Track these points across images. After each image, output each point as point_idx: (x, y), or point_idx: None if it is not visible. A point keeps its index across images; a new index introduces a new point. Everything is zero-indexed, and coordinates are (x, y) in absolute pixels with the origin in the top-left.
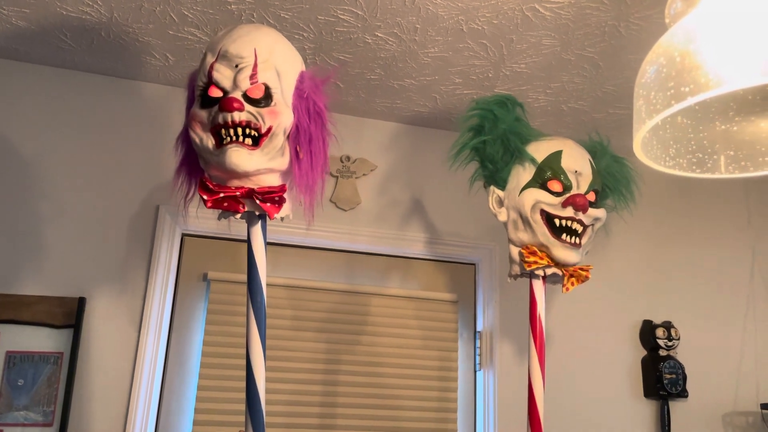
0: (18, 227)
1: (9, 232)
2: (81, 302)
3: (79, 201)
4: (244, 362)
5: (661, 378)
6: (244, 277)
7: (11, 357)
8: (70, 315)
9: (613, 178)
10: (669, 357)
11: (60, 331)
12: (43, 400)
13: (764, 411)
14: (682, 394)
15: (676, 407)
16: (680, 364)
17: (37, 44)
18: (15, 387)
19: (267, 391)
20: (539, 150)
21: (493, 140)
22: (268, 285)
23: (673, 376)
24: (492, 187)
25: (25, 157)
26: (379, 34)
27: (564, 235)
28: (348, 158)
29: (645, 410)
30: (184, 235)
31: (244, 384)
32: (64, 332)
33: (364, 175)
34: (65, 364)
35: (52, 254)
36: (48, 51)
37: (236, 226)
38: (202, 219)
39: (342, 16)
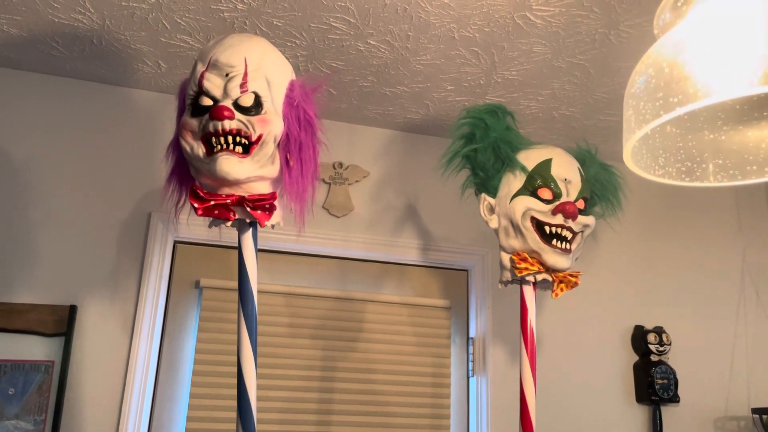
0: (8, 235)
1: (0, 240)
2: (72, 310)
3: (71, 208)
4: (236, 370)
5: (653, 383)
6: (236, 284)
7: (2, 366)
8: (62, 323)
9: (602, 186)
10: (661, 362)
11: (51, 340)
12: (33, 409)
13: (755, 416)
14: (674, 399)
15: (668, 412)
16: (672, 369)
17: (29, 51)
18: (5, 396)
19: (260, 398)
20: (529, 158)
21: (484, 148)
22: (261, 292)
23: (665, 381)
24: (483, 195)
25: (15, 164)
26: (372, 42)
27: (554, 241)
28: (340, 165)
29: (637, 415)
30: (176, 243)
31: (236, 392)
32: (55, 340)
33: (356, 181)
34: (56, 373)
35: (44, 262)
36: (39, 58)
37: (228, 233)
38: (194, 226)
39: (334, 24)
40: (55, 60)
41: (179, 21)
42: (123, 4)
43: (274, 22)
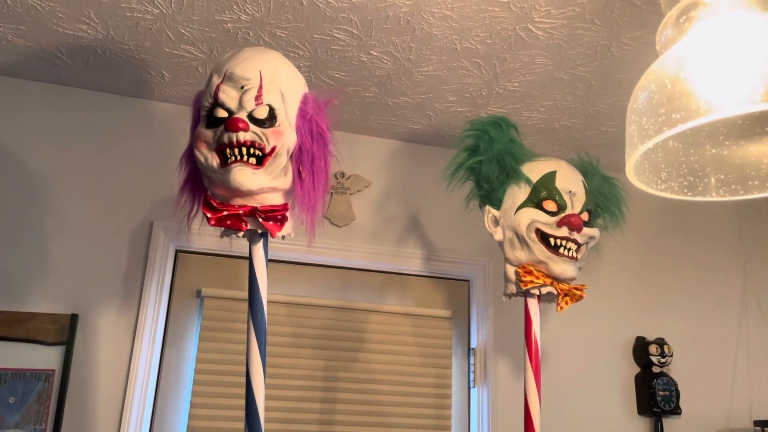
0: (9, 243)
1: (1, 249)
2: (73, 319)
3: (73, 217)
4: (237, 379)
5: (655, 395)
6: (237, 294)
7: (2, 374)
8: (63, 332)
9: (604, 198)
10: (662, 374)
11: (52, 348)
12: (33, 418)
13: (757, 428)
14: (676, 411)
15: (669, 424)
16: (673, 380)
17: (33, 61)
18: (6, 405)
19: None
20: (534, 170)
21: (488, 160)
22: None
23: (667, 393)
24: (487, 207)
25: (15, 173)
26: (374, 53)
27: (561, 249)
28: (342, 174)
29: (639, 427)
30: (177, 252)
31: (237, 401)
32: (56, 349)
33: (358, 191)
34: (57, 382)
35: (45, 271)
36: (44, 68)
37: (228, 242)
38: (197, 235)
39: (337, 35)
40: (60, 70)
41: (183, 31)
42: (127, 14)
43: (278, 33)
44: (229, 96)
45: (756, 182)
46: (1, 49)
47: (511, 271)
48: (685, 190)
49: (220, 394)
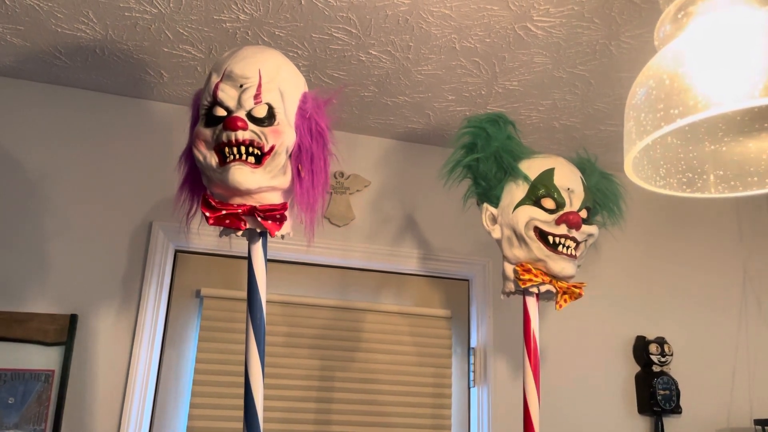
0: (9, 244)
1: (0, 249)
2: (73, 319)
3: (72, 218)
4: (237, 379)
5: (655, 394)
6: (237, 294)
7: (1, 375)
8: (62, 332)
9: (603, 195)
10: (662, 373)
11: (51, 349)
12: (33, 418)
13: (758, 427)
14: (676, 410)
15: (670, 423)
16: (674, 380)
17: (31, 61)
18: (5, 405)
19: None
20: (532, 167)
21: (485, 158)
22: None
23: (667, 392)
24: (485, 205)
25: (15, 173)
26: (373, 52)
27: (560, 247)
28: (342, 174)
29: (639, 426)
30: (177, 252)
31: (236, 401)
32: (55, 349)
33: (357, 191)
34: (56, 382)
35: (44, 271)
36: (42, 68)
37: (227, 242)
38: (196, 235)
39: (336, 35)
40: (58, 70)
41: (182, 31)
42: (126, 14)
43: (276, 33)
44: (228, 95)
45: (755, 178)
46: None
47: (509, 269)
48: (684, 187)
49: (220, 394)
